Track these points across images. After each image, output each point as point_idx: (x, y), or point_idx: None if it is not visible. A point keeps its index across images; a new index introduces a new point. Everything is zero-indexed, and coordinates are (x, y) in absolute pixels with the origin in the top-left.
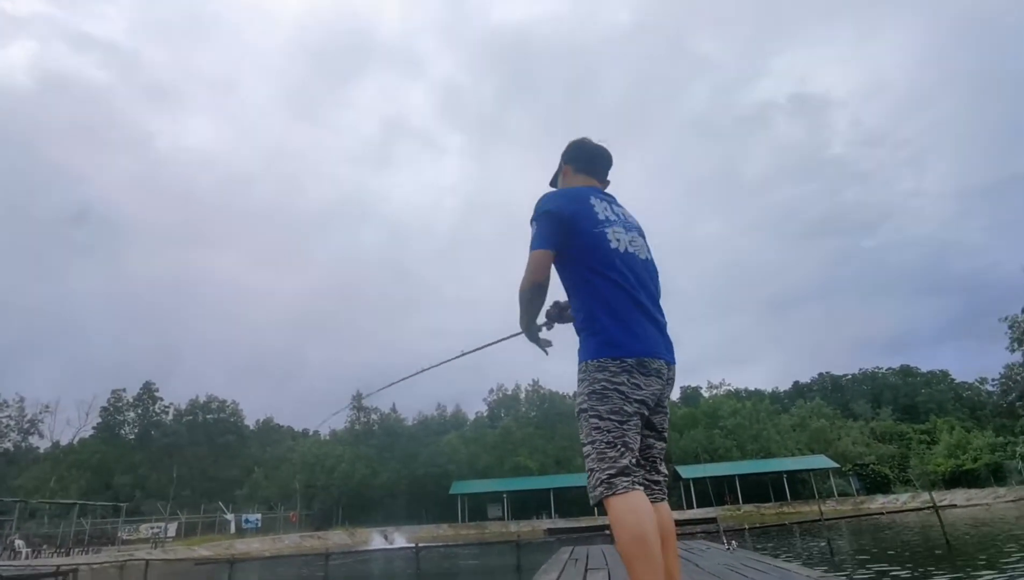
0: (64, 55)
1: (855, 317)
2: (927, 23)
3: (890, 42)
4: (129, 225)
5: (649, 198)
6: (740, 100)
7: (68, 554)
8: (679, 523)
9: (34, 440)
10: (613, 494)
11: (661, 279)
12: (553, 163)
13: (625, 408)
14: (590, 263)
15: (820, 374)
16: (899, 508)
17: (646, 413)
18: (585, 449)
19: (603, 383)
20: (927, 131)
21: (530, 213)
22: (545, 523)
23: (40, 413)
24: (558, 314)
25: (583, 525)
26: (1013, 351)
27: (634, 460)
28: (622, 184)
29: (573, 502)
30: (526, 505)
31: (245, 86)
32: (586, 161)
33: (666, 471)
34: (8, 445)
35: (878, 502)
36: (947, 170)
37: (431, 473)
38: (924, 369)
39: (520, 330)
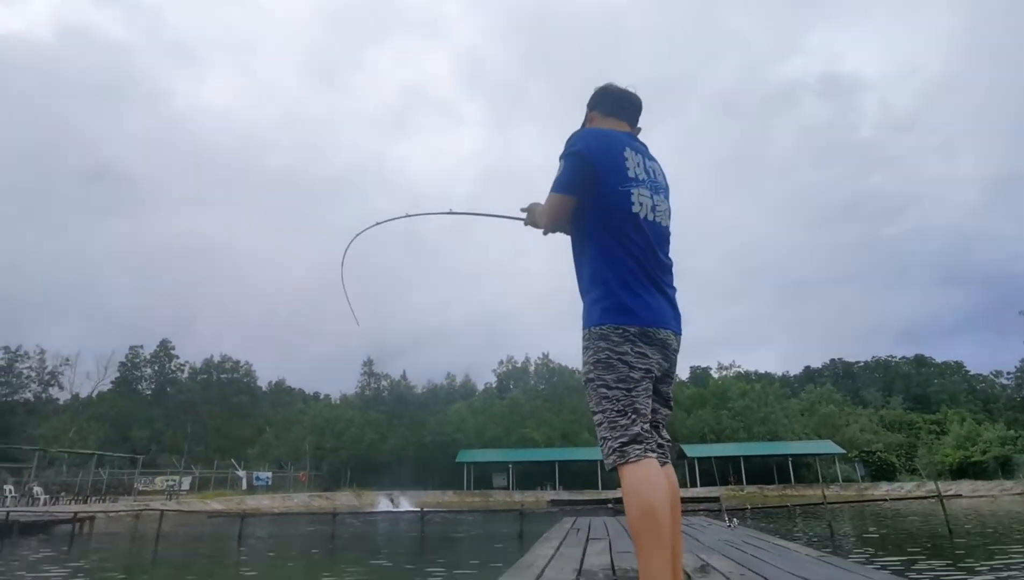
0: (86, 9)
1: (871, 305)
2: (963, 5)
3: (925, 24)
4: (147, 183)
5: (669, 174)
6: (768, 78)
7: (86, 502)
8: (683, 501)
9: (54, 391)
10: (626, 462)
11: (677, 253)
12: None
13: (632, 375)
14: (606, 222)
15: (832, 360)
16: (903, 496)
17: (653, 380)
18: (596, 418)
19: (607, 352)
20: (957, 117)
21: (555, 164)
22: (549, 494)
23: (60, 366)
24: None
25: (586, 498)
26: None
27: (646, 426)
28: None
29: (577, 475)
30: (531, 476)
31: (265, 48)
32: (614, 105)
33: (668, 437)
34: (29, 395)
35: (882, 489)
36: (975, 158)
37: (438, 441)
38: (939, 360)
39: (523, 217)
